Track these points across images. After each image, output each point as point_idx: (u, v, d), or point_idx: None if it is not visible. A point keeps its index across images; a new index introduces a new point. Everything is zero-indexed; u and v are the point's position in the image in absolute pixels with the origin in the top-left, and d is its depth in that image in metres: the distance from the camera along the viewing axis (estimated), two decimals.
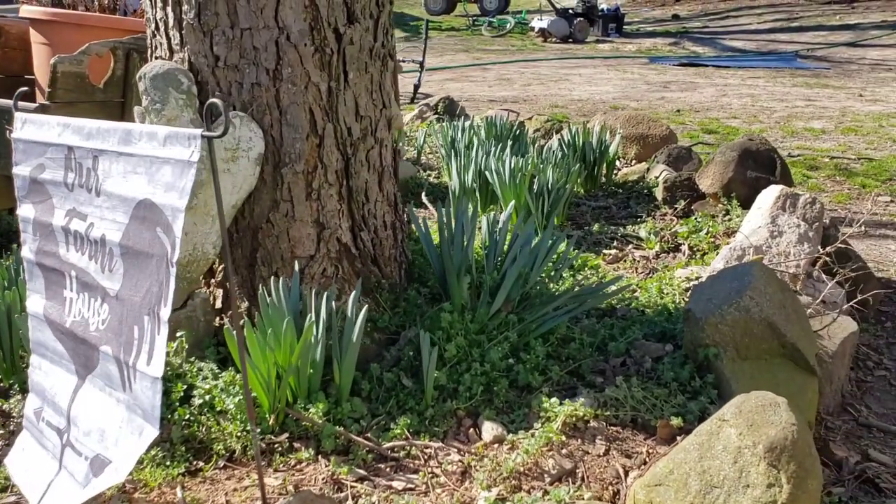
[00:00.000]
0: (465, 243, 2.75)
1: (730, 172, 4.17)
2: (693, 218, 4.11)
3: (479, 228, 3.15)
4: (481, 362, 2.47)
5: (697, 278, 3.26)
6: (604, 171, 4.98)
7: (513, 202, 3.67)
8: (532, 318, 2.67)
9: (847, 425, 2.68)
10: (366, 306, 2.39)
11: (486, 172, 4.03)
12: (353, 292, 2.44)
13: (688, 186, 4.39)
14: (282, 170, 2.55)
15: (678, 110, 9.29)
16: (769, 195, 3.64)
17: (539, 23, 18.14)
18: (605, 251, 3.75)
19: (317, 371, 2.34)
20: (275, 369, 2.23)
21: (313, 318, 2.30)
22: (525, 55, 15.77)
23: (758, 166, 4.21)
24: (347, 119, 2.62)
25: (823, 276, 3.32)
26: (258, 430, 2.24)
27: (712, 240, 3.79)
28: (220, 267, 2.70)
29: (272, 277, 2.59)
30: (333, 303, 2.67)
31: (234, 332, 1.94)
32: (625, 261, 3.63)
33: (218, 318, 2.66)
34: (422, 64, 10.23)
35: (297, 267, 2.61)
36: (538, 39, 18.12)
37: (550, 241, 2.94)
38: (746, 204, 3.97)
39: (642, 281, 3.30)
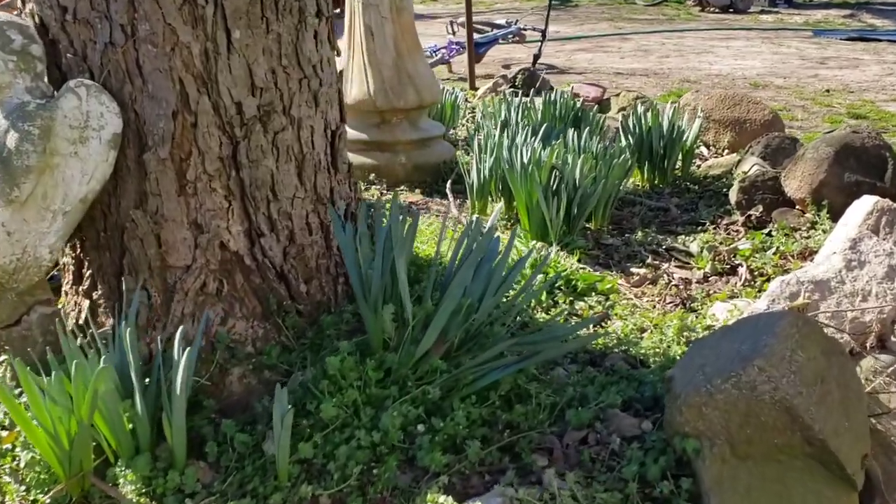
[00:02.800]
0: (385, 263, 2.08)
1: (822, 174, 3.24)
2: (767, 230, 3.23)
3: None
4: (370, 429, 1.82)
5: (742, 315, 2.44)
6: (677, 163, 4.12)
7: (500, 204, 2.95)
8: (466, 368, 1.98)
9: None
10: (196, 346, 1.79)
11: (505, 164, 3.31)
12: (200, 324, 1.85)
13: (771, 188, 3.48)
14: (145, 155, 1.98)
15: (828, 90, 8.06)
16: (860, 208, 2.73)
17: None
18: (634, 269, 2.96)
19: (141, 426, 1.77)
20: (68, 425, 1.68)
21: (126, 356, 1.73)
22: (673, 25, 14.56)
23: (862, 167, 3.26)
24: (234, 92, 2.01)
25: None
26: (48, 501, 1.70)
27: (782, 262, 2.92)
28: (88, 272, 2.17)
29: (140, 291, 2.05)
30: (219, 328, 2.11)
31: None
32: (655, 283, 2.83)
33: (81, 337, 2.14)
34: (544, 32, 9.46)
35: (170, 279, 2.05)
36: (695, 9, 16.71)
37: (532, 259, 2.23)
38: (841, 215, 3.06)
39: (660, 317, 2.51)
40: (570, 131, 3.56)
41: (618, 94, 5.81)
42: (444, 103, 4.99)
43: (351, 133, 4.20)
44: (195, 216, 2.04)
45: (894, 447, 2.06)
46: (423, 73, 4.20)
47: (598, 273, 2.88)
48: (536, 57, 9.43)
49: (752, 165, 4.08)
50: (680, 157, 4.11)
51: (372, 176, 4.08)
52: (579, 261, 2.98)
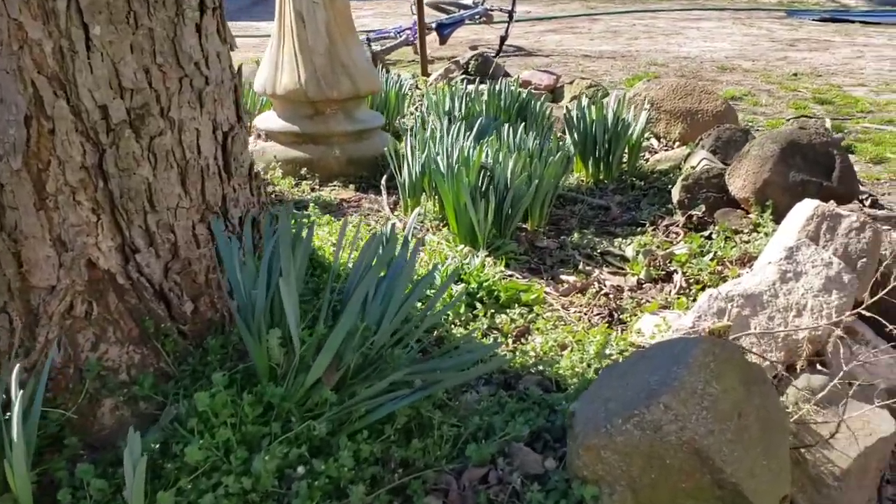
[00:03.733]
0: (272, 282, 1.90)
1: (766, 172, 3.08)
2: (708, 232, 3.07)
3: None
4: (241, 474, 1.64)
5: (669, 331, 2.28)
6: (624, 158, 3.95)
7: (419, 208, 2.77)
8: (359, 400, 1.81)
9: None
10: (43, 381, 1.60)
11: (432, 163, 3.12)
12: (17, 365, 1.65)
13: (716, 186, 3.33)
14: None
15: (795, 74, 7.96)
16: (800, 213, 2.58)
17: None
18: (564, 276, 2.79)
19: None
20: None
21: None
22: (646, 5, 14.41)
23: (808, 165, 3.10)
24: (98, 94, 1.80)
25: (858, 345, 2.28)
26: None
27: (719, 268, 2.76)
28: None
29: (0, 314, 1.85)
30: (89, 354, 1.92)
31: None
32: (585, 292, 2.66)
33: None
34: (510, 13, 9.25)
35: (33, 301, 1.85)
36: None
37: (449, 268, 2.05)
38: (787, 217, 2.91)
39: (583, 332, 2.35)
40: (506, 126, 3.37)
41: (571, 82, 5.63)
42: (388, 92, 4.78)
43: (282, 125, 3.99)
44: (58, 232, 1.84)
45: (825, 480, 1.93)
46: (360, 61, 3.99)
47: (525, 281, 2.71)
48: (503, 39, 9.23)
49: (700, 160, 3.92)
50: (627, 151, 3.95)
51: (304, 170, 3.88)
52: (508, 266, 2.81)
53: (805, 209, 2.55)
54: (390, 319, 1.93)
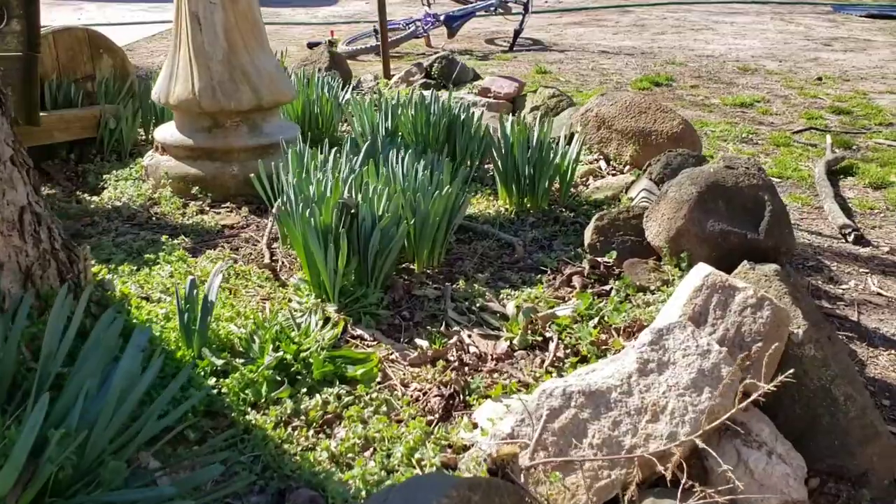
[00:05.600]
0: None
1: (680, 219, 2.64)
2: (610, 287, 2.64)
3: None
4: None
5: (502, 421, 1.86)
6: (554, 185, 3.52)
7: (220, 263, 2.37)
8: None
9: None
10: None
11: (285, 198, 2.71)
12: None
13: (636, 229, 2.89)
14: None
15: (819, 77, 7.40)
16: (690, 281, 2.14)
17: None
18: (420, 340, 2.38)
19: None
20: None
21: None
22: None
23: (733, 213, 2.65)
24: None
25: (748, 448, 1.84)
26: None
27: (603, 337, 2.33)
28: None
29: None
30: None
31: None
32: (437, 363, 2.25)
33: None
34: (526, 5, 8.78)
35: None
36: None
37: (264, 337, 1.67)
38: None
39: (396, 426, 1.93)
40: (392, 152, 2.96)
41: (535, 90, 5.18)
42: (321, 99, 4.39)
43: (177, 137, 3.63)
44: None
45: None
46: (265, 68, 3.60)
47: (371, 346, 2.31)
48: (517, 32, 8.75)
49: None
50: (558, 178, 3.51)
51: (196, 189, 3.51)
52: (359, 322, 2.42)
53: (694, 277, 2.11)
54: (106, 423, 1.56)
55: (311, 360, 2.09)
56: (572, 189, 3.66)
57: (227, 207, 3.46)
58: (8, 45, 3.47)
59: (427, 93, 5.06)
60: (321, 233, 2.44)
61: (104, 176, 3.80)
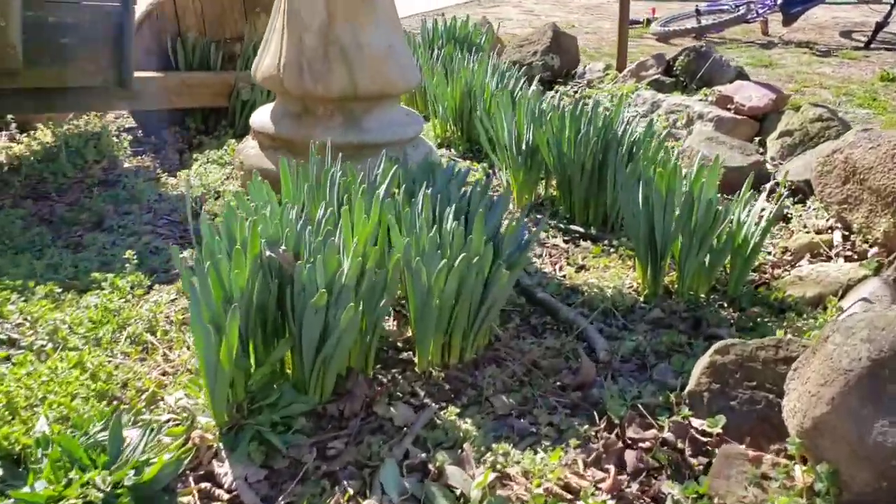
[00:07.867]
0: None
1: (823, 404, 1.38)
2: (664, 492, 1.50)
3: None
4: None
5: None
6: (721, 264, 2.33)
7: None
8: None
9: None
10: None
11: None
12: None
13: (779, 381, 1.66)
14: None
15: None
16: None
17: None
18: None
19: None
20: None
21: None
22: None
23: None
24: None
25: None
26: None
27: None
28: None
29: None
30: None
31: None
32: None
33: None
34: None
35: None
36: None
37: None
38: None
39: None
40: (425, 189, 2.00)
41: (798, 109, 3.76)
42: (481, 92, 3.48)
43: (262, 121, 3.03)
44: None
45: None
46: (372, 48, 2.80)
47: None
48: (879, 25, 6.96)
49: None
50: (729, 256, 2.29)
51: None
52: (236, 451, 1.57)
53: None
54: None
55: None
56: (755, 273, 2.41)
57: None
58: None
59: (647, 94, 3.94)
60: (221, 301, 1.62)
61: (194, 155, 3.30)
